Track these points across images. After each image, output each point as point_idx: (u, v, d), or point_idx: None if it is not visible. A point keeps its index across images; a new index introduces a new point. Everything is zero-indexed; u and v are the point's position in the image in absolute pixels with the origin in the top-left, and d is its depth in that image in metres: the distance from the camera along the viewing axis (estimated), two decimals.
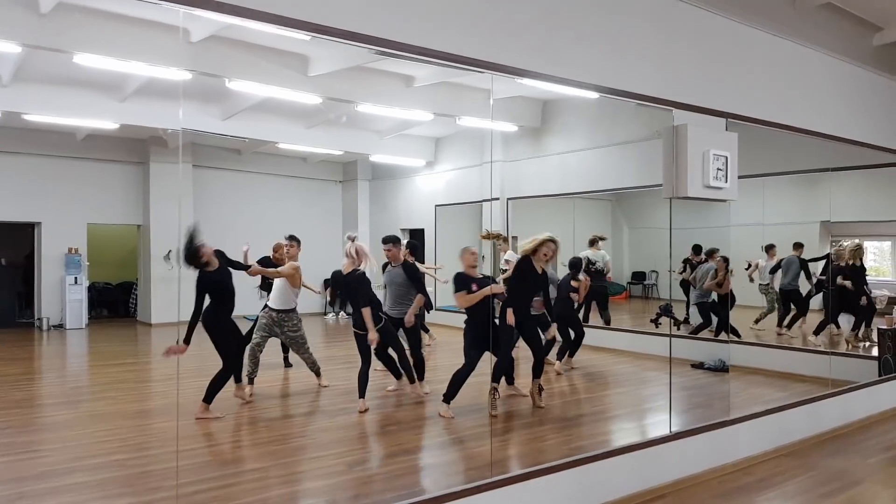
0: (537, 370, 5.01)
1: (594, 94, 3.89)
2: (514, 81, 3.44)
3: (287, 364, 6.24)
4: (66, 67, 7.00)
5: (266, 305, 5.40)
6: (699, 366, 7.34)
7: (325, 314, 11.08)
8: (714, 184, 3.92)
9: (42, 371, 7.21)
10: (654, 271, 10.24)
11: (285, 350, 6.05)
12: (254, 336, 5.25)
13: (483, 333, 4.53)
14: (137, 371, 6.62)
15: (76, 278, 10.33)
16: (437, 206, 11.63)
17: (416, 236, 12.21)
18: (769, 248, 8.42)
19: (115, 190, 11.05)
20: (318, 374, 5.49)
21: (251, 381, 5.11)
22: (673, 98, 3.87)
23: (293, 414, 5.02)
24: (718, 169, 3.96)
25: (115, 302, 11.72)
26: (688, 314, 8.11)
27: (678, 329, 7.84)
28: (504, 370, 5.03)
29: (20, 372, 6.78)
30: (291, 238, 5.59)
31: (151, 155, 11.16)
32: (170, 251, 10.56)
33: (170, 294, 10.38)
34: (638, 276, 10.29)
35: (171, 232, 10.76)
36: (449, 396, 4.68)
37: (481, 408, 4.81)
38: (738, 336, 7.26)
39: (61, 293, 10.26)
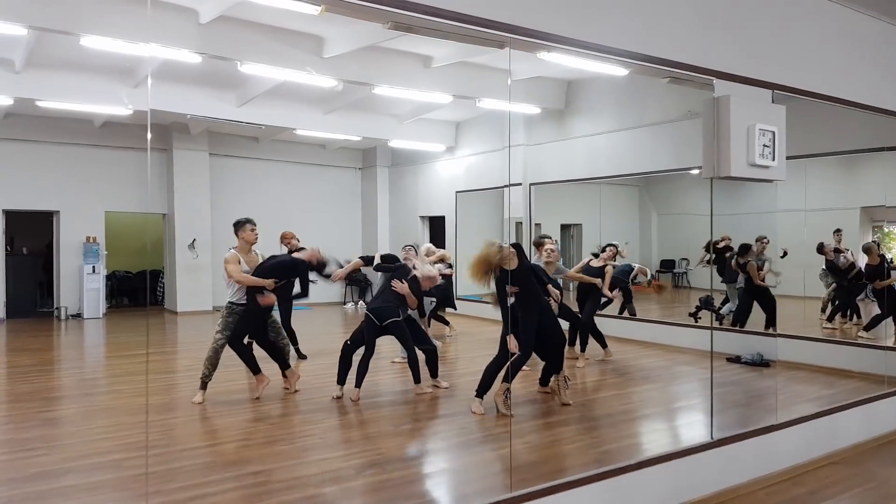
0: (558, 364, 4.67)
1: (622, 71, 3.50)
2: (535, 59, 3.10)
3: (301, 356, 6.00)
4: (78, 52, 6.82)
5: (229, 301, 4.89)
6: (735, 360, 6.91)
7: (345, 304, 10.87)
8: (760, 162, 3.52)
9: (54, 362, 7.09)
10: (684, 259, 9.78)
11: (295, 342, 5.79)
12: (219, 337, 4.75)
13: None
14: (153, 362, 6.43)
15: (94, 267, 10.25)
16: (457, 192, 11.28)
17: (437, 223, 11.90)
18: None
19: (135, 178, 10.90)
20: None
21: (204, 386, 4.75)
22: (714, 67, 3.47)
23: (302, 410, 4.76)
24: (765, 145, 3.55)
25: (135, 290, 11.65)
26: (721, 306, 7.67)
27: (720, 324, 7.42)
28: (520, 367, 4.71)
29: (32, 363, 6.66)
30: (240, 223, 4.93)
31: (174, 142, 11.00)
32: (194, 240, 10.43)
33: (195, 282, 10.28)
34: (667, 265, 9.84)
35: (196, 220, 10.64)
36: (482, 391, 4.40)
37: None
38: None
39: (79, 282, 10.20)
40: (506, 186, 10.25)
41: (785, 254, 7.57)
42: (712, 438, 3.40)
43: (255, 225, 4.91)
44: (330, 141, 11.62)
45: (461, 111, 10.52)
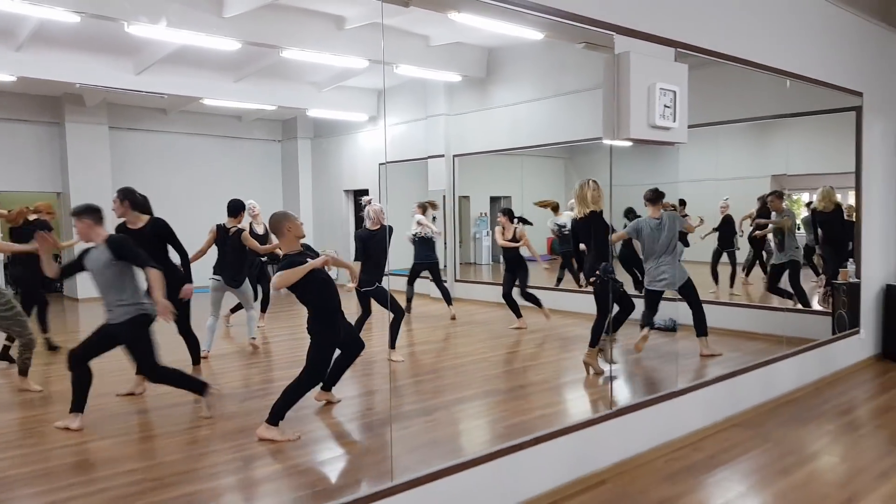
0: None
1: (535, 34, 3.27)
2: (452, 23, 2.83)
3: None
4: None
5: None
6: (648, 325, 6.95)
7: None
8: (661, 123, 3.39)
9: None
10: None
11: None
12: None
13: None
14: (43, 352, 5.88)
15: None
16: (380, 164, 10.93)
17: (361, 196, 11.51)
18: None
19: (25, 153, 9.98)
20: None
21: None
22: (614, 21, 3.29)
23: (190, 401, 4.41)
24: (666, 106, 3.42)
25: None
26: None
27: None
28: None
29: None
30: None
31: (67, 114, 10.11)
32: None
33: None
34: None
35: (96, 200, 9.81)
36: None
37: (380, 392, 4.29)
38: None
39: None
40: (429, 158, 9.99)
41: (702, 221, 7.64)
42: (611, 409, 3.30)
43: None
44: (245, 112, 11.01)
45: (382, 79, 10.13)
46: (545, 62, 8.52)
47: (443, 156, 9.80)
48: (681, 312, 5.66)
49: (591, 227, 4.61)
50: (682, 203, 7.09)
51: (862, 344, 5.71)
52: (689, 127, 3.60)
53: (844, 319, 6.14)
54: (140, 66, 8.48)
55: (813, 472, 3.31)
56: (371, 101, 11.12)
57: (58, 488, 2.90)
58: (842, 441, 3.76)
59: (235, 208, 5.81)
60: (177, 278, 4.30)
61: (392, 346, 5.16)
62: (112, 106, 10.21)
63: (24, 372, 4.45)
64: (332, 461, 3.31)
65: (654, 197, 5.48)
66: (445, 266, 9.51)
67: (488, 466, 2.67)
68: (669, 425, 3.59)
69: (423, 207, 7.46)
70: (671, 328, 6.73)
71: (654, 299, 5.57)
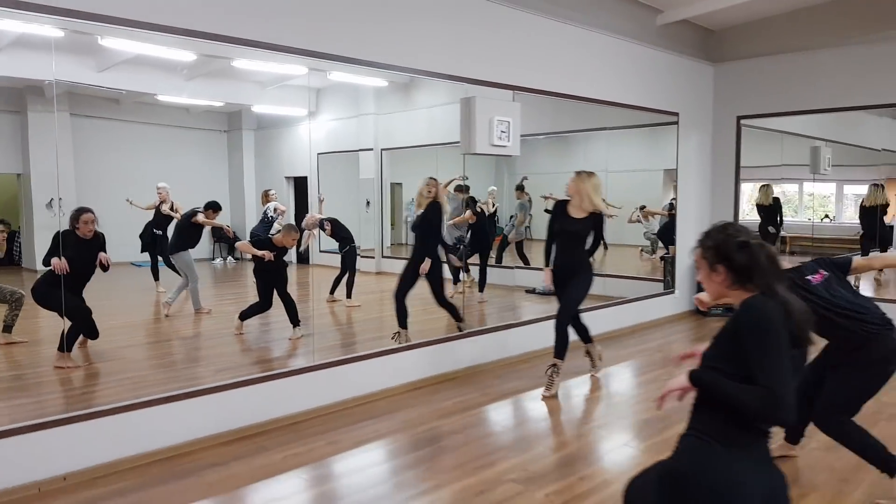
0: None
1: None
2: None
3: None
4: None
5: None
6: (532, 291, 8.86)
7: (213, 259, 11.71)
8: (498, 142, 5.13)
9: None
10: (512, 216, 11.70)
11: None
12: None
13: None
14: None
15: None
16: (318, 154, 12.37)
17: (300, 183, 12.93)
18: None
19: None
20: None
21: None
22: (464, 74, 4.99)
23: None
24: (502, 131, 5.16)
25: None
26: None
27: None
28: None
29: None
30: None
31: (29, 104, 11.08)
32: (51, 199, 10.71)
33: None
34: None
35: (52, 181, 10.87)
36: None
37: None
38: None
39: None
40: (361, 150, 11.53)
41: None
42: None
43: None
44: (194, 105, 12.22)
45: (320, 80, 11.53)
46: None
47: (372, 149, 11.38)
48: None
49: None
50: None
51: (676, 301, 7.72)
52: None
53: (669, 284, 8.20)
54: (102, 66, 9.60)
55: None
56: (311, 98, 12.52)
57: None
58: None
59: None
60: None
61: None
62: (73, 95, 11.24)
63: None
64: None
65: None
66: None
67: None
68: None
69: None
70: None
71: None
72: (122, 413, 4.12)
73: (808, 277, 3.49)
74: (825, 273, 3.57)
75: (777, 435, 3.83)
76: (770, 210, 9.51)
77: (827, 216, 9.71)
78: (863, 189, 8.96)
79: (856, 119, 8.75)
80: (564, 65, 5.80)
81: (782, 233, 9.65)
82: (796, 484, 3.62)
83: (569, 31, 5.73)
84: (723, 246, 2.14)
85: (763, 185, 9.87)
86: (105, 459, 3.87)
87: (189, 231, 7.10)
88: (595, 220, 5.33)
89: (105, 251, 6.17)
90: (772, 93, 7.37)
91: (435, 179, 6.07)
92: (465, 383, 5.72)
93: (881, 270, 7.93)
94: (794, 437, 4.08)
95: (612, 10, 6.41)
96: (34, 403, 4.88)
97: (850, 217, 9.71)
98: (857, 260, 3.68)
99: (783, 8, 7.08)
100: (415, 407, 5.07)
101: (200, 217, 6.90)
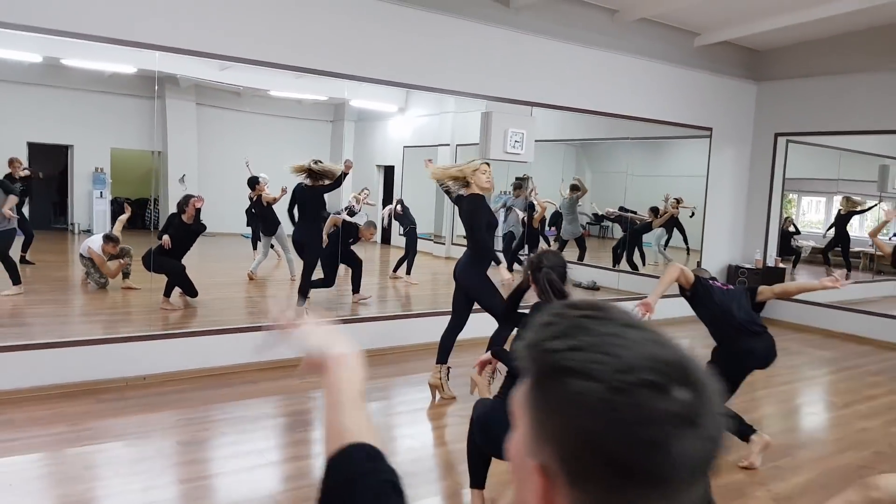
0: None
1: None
2: None
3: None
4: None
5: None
6: (577, 285, 9.57)
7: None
8: (512, 150, 5.99)
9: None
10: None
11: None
12: None
13: None
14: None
15: (101, 192, 12.67)
16: (405, 147, 13.62)
17: (389, 171, 14.29)
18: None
19: (136, 121, 13.19)
20: None
21: None
22: (485, 93, 5.91)
23: None
24: (517, 141, 6.01)
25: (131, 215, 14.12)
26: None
27: None
28: None
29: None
30: None
31: (167, 93, 13.23)
32: (184, 175, 12.77)
33: None
34: None
35: (184, 159, 12.98)
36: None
37: None
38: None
39: (89, 204, 12.63)
40: (440, 146, 12.65)
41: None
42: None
43: None
44: (305, 97, 13.90)
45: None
46: None
47: (448, 144, 12.47)
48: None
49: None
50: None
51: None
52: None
53: None
54: (224, 65, 11.35)
55: None
56: (401, 96, 13.81)
57: None
58: None
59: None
60: None
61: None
62: (200, 87, 13.24)
63: None
64: None
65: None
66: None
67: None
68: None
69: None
70: (593, 287, 9.39)
71: None
72: (189, 337, 5.51)
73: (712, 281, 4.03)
74: (732, 287, 4.08)
75: None
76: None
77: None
78: None
79: None
80: (592, 84, 6.47)
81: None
82: None
83: (603, 56, 6.40)
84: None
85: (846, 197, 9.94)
86: (174, 369, 5.19)
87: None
88: None
89: (201, 233, 7.78)
90: (809, 111, 7.46)
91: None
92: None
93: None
94: None
95: (648, 35, 6.97)
96: (137, 323, 6.57)
97: None
98: (764, 288, 3.98)
99: (824, 32, 7.23)
100: None
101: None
